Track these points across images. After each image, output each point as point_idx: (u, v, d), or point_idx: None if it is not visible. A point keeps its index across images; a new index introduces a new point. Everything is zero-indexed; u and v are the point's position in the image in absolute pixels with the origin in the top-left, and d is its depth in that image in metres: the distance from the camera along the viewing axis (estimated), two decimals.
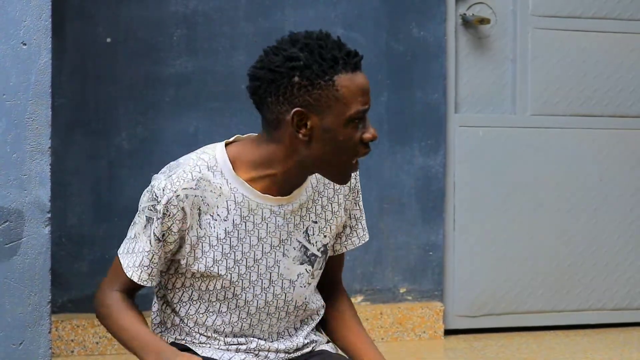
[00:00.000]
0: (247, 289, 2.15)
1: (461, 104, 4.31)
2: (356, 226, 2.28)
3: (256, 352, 2.21)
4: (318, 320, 2.30)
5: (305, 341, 2.26)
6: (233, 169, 2.11)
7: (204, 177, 2.10)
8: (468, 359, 3.94)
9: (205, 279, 2.16)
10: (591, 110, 4.43)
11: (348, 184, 2.21)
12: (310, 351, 2.27)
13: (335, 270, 2.32)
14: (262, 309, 2.18)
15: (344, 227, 2.26)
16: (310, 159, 2.08)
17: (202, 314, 2.19)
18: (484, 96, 4.33)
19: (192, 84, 3.97)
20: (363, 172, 4.13)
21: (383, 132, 4.17)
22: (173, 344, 2.22)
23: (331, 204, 2.20)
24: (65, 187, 3.84)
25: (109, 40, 3.90)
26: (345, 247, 2.28)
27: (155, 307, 2.28)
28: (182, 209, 2.08)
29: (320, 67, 2.01)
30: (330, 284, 2.32)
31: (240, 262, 2.13)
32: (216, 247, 2.12)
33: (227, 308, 2.18)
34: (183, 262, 2.14)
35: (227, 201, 2.11)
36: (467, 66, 4.30)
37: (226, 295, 2.16)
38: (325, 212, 2.19)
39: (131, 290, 2.19)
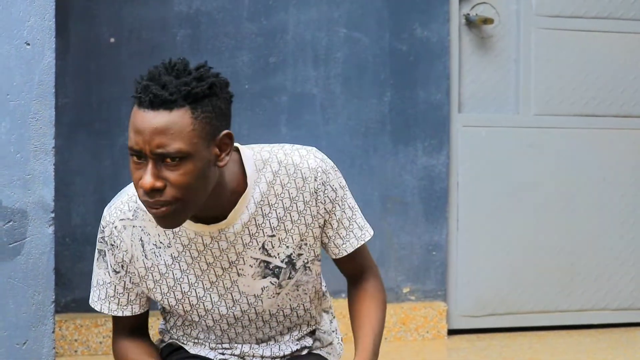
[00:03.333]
0: (211, 310, 2.12)
1: (464, 104, 4.31)
2: (350, 226, 2.15)
3: (242, 357, 2.21)
4: (314, 327, 2.26)
5: (295, 347, 2.23)
6: None
7: (141, 206, 2.07)
8: (471, 359, 3.94)
9: (167, 309, 2.16)
10: (594, 110, 4.42)
11: (307, 189, 2.08)
12: (298, 356, 2.24)
13: (348, 267, 2.21)
14: (234, 324, 2.16)
15: (335, 230, 2.14)
16: None
17: (187, 326, 2.20)
18: (487, 96, 4.33)
19: None
20: (366, 171, 4.15)
21: (386, 131, 4.17)
22: (168, 344, 2.26)
23: (289, 213, 2.08)
24: (69, 187, 3.84)
25: (112, 40, 3.90)
26: (345, 250, 2.17)
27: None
28: (123, 240, 2.08)
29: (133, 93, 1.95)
30: (353, 276, 2.22)
31: (196, 284, 2.10)
32: (167, 275, 2.10)
33: (201, 328, 2.18)
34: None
35: (165, 231, 2.07)
36: (471, 66, 4.30)
37: (193, 318, 2.15)
38: (283, 223, 2.08)
39: (137, 327, 2.20)
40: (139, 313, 2.16)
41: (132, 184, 2.09)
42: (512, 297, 4.33)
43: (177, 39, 3.96)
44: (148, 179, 1.89)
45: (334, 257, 2.18)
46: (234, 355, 2.21)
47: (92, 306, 2.16)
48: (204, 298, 2.10)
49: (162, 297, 2.11)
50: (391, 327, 4.14)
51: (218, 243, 2.06)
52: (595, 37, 4.41)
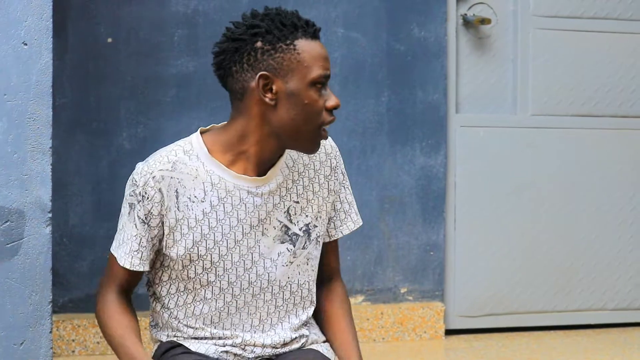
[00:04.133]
0: (230, 270, 2.18)
1: (462, 104, 4.31)
2: (349, 210, 2.31)
3: (242, 347, 2.22)
4: (310, 314, 2.29)
5: (294, 335, 2.26)
6: (209, 152, 2.16)
7: (180, 160, 2.16)
8: (469, 359, 3.94)
9: (187, 264, 2.18)
10: (592, 111, 4.43)
11: (328, 164, 2.26)
12: (299, 348, 2.26)
13: (330, 258, 2.33)
14: (247, 290, 2.20)
15: (337, 211, 2.29)
16: (279, 125, 2.12)
17: (190, 303, 2.21)
18: (484, 96, 4.33)
19: (193, 83, 3.97)
20: (364, 171, 4.15)
21: (384, 131, 4.17)
22: (167, 342, 2.25)
23: (312, 184, 2.24)
24: (66, 187, 3.84)
25: (110, 40, 3.90)
26: (341, 232, 2.31)
27: (151, 308, 2.30)
28: (159, 190, 2.14)
29: (281, 32, 2.12)
30: (327, 274, 2.33)
31: (221, 242, 2.17)
32: (195, 229, 2.16)
33: (212, 294, 2.20)
34: (163, 245, 2.18)
35: (203, 183, 2.15)
36: (468, 66, 4.30)
37: (209, 279, 2.18)
38: (306, 192, 2.23)
39: (126, 288, 2.23)
40: (144, 271, 2.20)
41: (161, 150, 2.18)
42: (509, 297, 4.33)
43: (174, 39, 3.96)
44: (336, 98, 2.14)
45: (327, 239, 2.29)
46: (234, 346, 2.22)
47: (120, 262, 2.17)
48: (225, 256, 2.17)
49: (185, 252, 2.16)
50: (389, 327, 4.15)
51: (253, 199, 2.17)
52: (593, 37, 4.41)
